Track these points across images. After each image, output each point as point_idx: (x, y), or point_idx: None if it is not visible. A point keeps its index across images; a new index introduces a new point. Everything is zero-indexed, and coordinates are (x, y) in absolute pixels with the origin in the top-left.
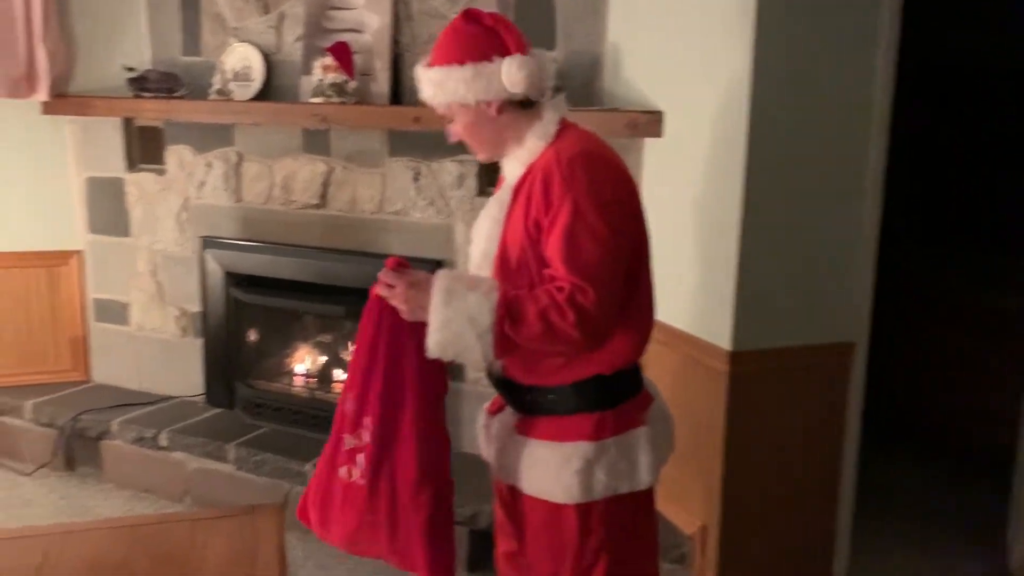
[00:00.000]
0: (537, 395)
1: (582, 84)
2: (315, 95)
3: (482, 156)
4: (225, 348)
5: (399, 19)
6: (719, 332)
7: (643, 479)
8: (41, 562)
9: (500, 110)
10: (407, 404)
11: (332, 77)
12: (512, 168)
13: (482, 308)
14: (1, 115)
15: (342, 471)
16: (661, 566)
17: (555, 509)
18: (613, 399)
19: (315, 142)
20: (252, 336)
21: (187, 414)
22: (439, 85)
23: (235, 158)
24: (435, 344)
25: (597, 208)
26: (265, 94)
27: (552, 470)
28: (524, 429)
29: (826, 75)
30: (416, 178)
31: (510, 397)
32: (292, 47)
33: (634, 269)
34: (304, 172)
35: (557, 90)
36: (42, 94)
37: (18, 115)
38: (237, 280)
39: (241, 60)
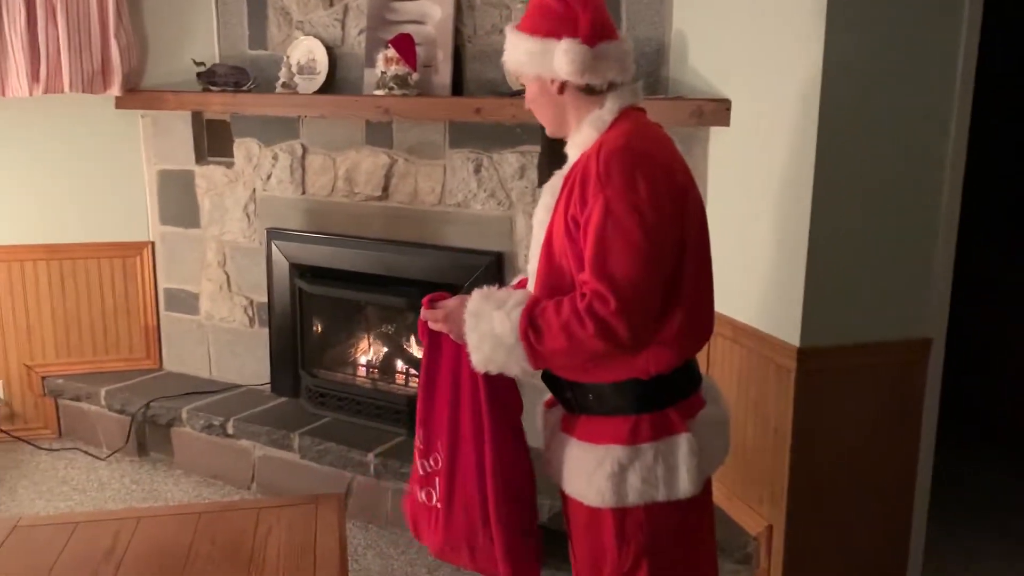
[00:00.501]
0: (577, 392)
1: (647, 72)
2: (378, 87)
3: (548, 131)
4: (290, 338)
5: (461, 9)
6: (788, 328)
7: (682, 488)
8: (111, 545)
9: (561, 89)
10: (475, 424)
11: (395, 69)
12: (572, 154)
13: (505, 326)
14: (78, 110)
15: (422, 494)
16: (724, 566)
17: (593, 512)
18: (654, 402)
19: (378, 134)
20: (316, 326)
21: (253, 402)
22: (510, 50)
23: (300, 150)
24: (477, 362)
25: (631, 209)
26: (329, 87)
27: (586, 472)
28: (566, 427)
29: (902, 60)
30: (477, 170)
31: (555, 393)
32: (356, 40)
33: (676, 274)
34: (367, 164)
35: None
36: (116, 89)
37: (94, 110)
38: (301, 271)
39: (306, 53)
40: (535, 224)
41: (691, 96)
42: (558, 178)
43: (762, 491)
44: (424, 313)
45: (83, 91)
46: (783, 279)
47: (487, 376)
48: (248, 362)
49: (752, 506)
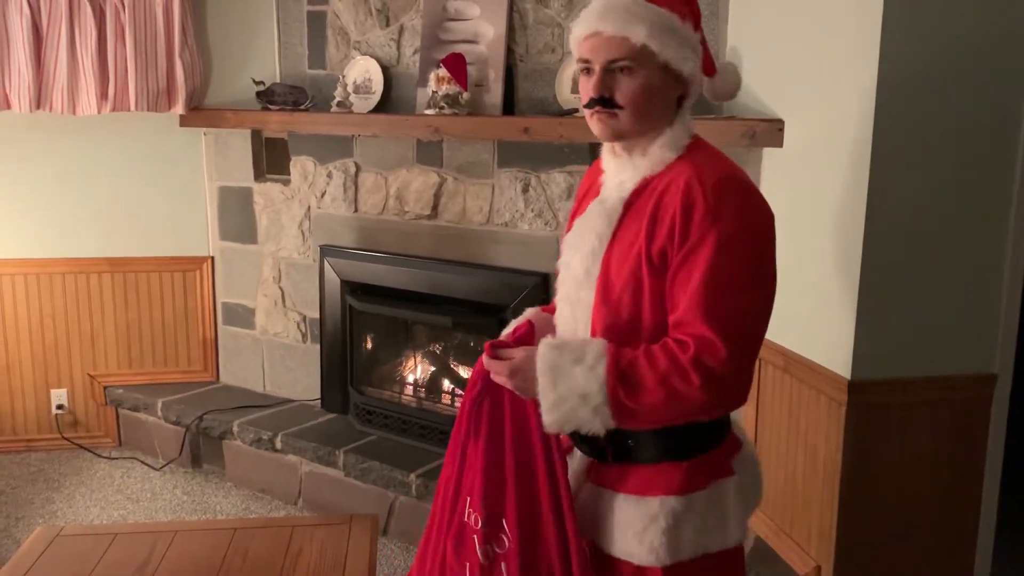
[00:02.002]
0: (614, 439)
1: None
2: (429, 107)
3: (620, 127)
4: (340, 355)
5: (514, 29)
6: (839, 358)
7: (733, 535)
8: (147, 557)
9: (677, 92)
10: (552, 492)
11: (446, 89)
12: (623, 175)
13: (590, 383)
14: (144, 127)
15: None
16: None
17: (640, 571)
18: (700, 446)
19: (428, 153)
20: (365, 343)
21: (303, 418)
22: (662, 28)
23: (354, 169)
24: (552, 423)
25: (746, 247)
26: (384, 106)
27: (634, 529)
28: (599, 478)
29: (962, 80)
30: (525, 189)
31: (581, 440)
32: (411, 59)
33: None
34: (417, 183)
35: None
36: (180, 107)
37: (158, 127)
38: (352, 288)
39: (362, 73)
40: (575, 248)
41: (744, 116)
42: (615, 203)
43: (811, 528)
44: (487, 363)
45: (148, 109)
46: (834, 307)
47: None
48: (300, 377)
49: (800, 544)
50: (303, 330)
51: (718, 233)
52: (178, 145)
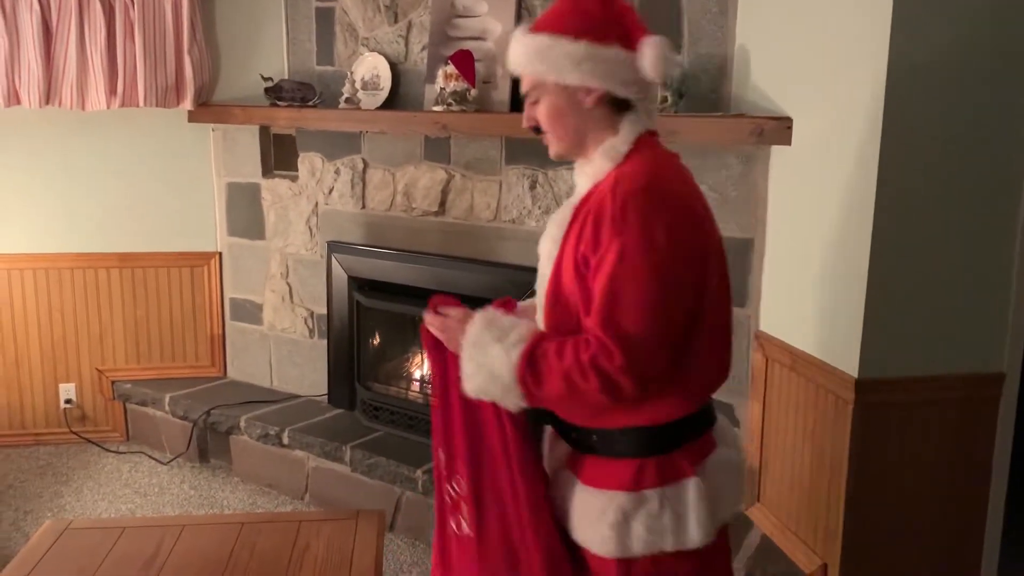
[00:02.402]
0: (582, 433)
1: (709, 89)
2: (437, 103)
3: (555, 149)
4: (347, 350)
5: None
6: (846, 357)
7: (692, 537)
8: (155, 551)
9: (597, 103)
10: (500, 436)
11: (454, 85)
12: (580, 183)
13: (503, 364)
14: (152, 123)
15: (452, 524)
16: None
17: (599, 560)
18: (661, 446)
19: (436, 150)
20: (373, 340)
21: (310, 413)
22: (540, 54)
23: (361, 165)
24: (469, 390)
25: (647, 260)
26: (392, 102)
27: (589, 519)
28: (572, 464)
29: (972, 78)
30: (532, 186)
31: (559, 431)
32: (419, 56)
33: (694, 322)
34: (424, 180)
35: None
36: (188, 103)
37: (167, 123)
38: (360, 284)
39: (370, 69)
40: (541, 255)
41: (753, 114)
42: (567, 209)
43: (817, 526)
44: (427, 317)
45: (157, 105)
46: (841, 306)
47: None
48: (307, 373)
49: (806, 541)
50: (310, 326)
51: (620, 244)
52: (186, 141)
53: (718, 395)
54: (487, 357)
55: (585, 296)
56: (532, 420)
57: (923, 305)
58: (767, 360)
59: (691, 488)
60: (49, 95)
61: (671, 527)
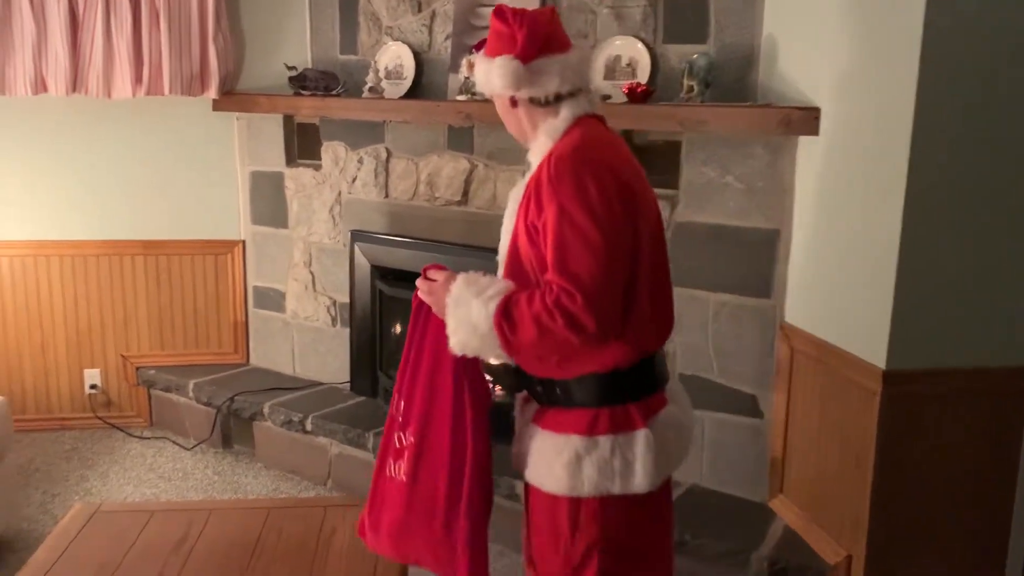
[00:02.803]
0: (546, 386)
1: (735, 79)
2: (462, 92)
3: (519, 141)
4: (370, 338)
5: None
6: (873, 348)
7: (638, 483)
8: (184, 535)
9: (513, 103)
10: (456, 405)
11: None
12: (532, 161)
13: (480, 315)
14: (177, 112)
15: (390, 467)
16: None
17: (549, 499)
18: (614, 397)
19: (459, 139)
20: (395, 328)
21: (333, 400)
22: (477, 73)
23: (384, 154)
24: (454, 344)
25: (584, 210)
26: (416, 92)
27: (546, 460)
28: (536, 418)
29: (1010, 64)
30: None
31: (527, 387)
32: (442, 45)
33: (630, 274)
34: (448, 169)
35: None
36: (213, 92)
37: (191, 112)
38: (382, 273)
39: (394, 58)
40: (503, 231)
41: (780, 104)
42: (521, 186)
43: (842, 519)
44: (418, 281)
45: (182, 93)
46: (869, 297)
47: (471, 359)
48: (329, 361)
49: (830, 533)
50: (333, 314)
51: (558, 201)
52: (211, 129)
53: (741, 385)
54: (468, 311)
55: (539, 258)
56: (508, 388)
57: (953, 297)
58: (792, 351)
59: (640, 438)
60: (75, 83)
61: (620, 471)
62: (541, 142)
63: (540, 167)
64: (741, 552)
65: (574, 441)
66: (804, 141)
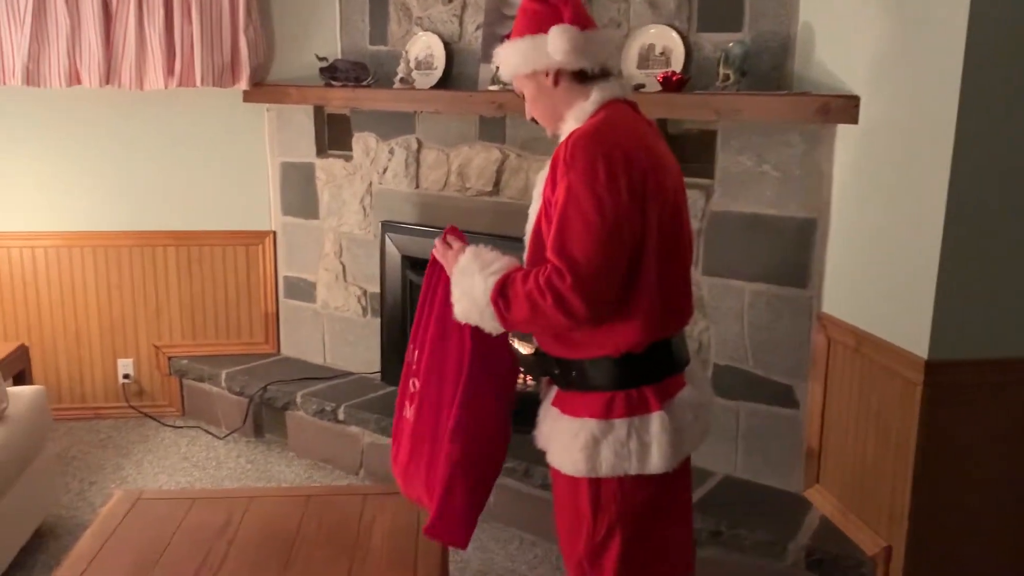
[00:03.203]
0: (564, 369)
1: (770, 67)
2: (493, 83)
3: (548, 130)
4: (400, 328)
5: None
6: (915, 338)
7: (654, 464)
8: (225, 522)
9: (556, 81)
10: (458, 360)
11: None
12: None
13: (480, 289)
14: (208, 103)
15: (405, 409)
16: None
17: (572, 482)
18: (630, 380)
19: (490, 130)
20: None
21: (364, 390)
22: (505, 59)
23: (415, 145)
24: (457, 313)
25: (589, 192)
26: (446, 82)
27: (563, 443)
28: (556, 401)
29: None
30: None
31: (546, 370)
32: (473, 35)
33: (637, 256)
34: (479, 159)
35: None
36: (243, 83)
37: (222, 103)
38: (413, 263)
39: (424, 49)
40: (529, 211)
41: (817, 92)
42: (548, 168)
43: (880, 509)
44: (437, 242)
45: (213, 84)
46: (911, 286)
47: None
48: (360, 351)
49: (869, 523)
50: (363, 304)
51: (567, 181)
52: (241, 121)
53: (777, 375)
54: (471, 283)
55: (550, 232)
56: (535, 376)
57: (996, 285)
58: (829, 341)
59: (655, 421)
60: (108, 75)
61: (636, 452)
62: (568, 125)
63: (560, 146)
64: (778, 542)
65: (590, 424)
66: (842, 129)
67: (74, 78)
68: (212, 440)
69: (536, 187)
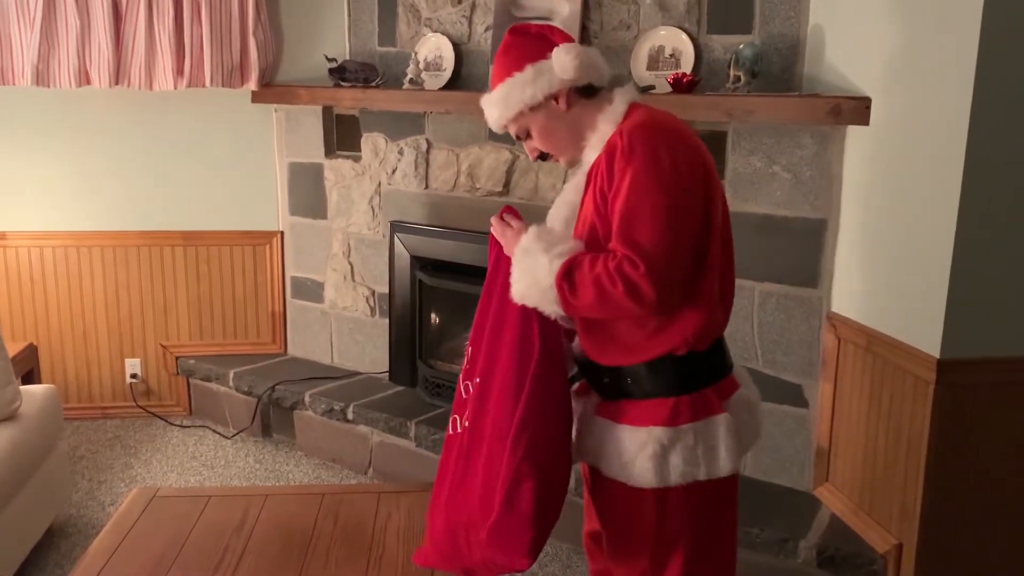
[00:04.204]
0: (615, 377)
1: (780, 69)
2: None
3: (565, 160)
4: (409, 329)
5: (589, 6)
6: (927, 337)
7: (722, 467)
8: (242, 519)
9: (569, 103)
10: (515, 348)
11: None
12: (589, 156)
13: (544, 271)
14: (216, 104)
15: (457, 423)
16: None
17: (633, 493)
18: (690, 384)
19: None
20: (434, 318)
21: (372, 390)
22: (505, 99)
23: (425, 146)
24: (515, 293)
25: (655, 179)
26: (455, 83)
27: (628, 454)
28: (604, 412)
29: None
30: None
31: (591, 379)
32: (482, 36)
33: (701, 245)
34: (489, 160)
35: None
36: (252, 83)
37: (231, 104)
38: (422, 263)
39: (433, 50)
40: (553, 220)
41: (828, 94)
42: (581, 176)
43: (892, 507)
44: (493, 221)
45: (223, 85)
46: (923, 285)
47: (540, 316)
48: (368, 350)
49: (880, 521)
50: (372, 304)
51: (632, 169)
52: (250, 121)
53: (787, 375)
54: (535, 264)
55: (607, 229)
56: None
57: (1008, 285)
58: (839, 341)
59: (722, 423)
60: (118, 75)
61: (704, 457)
62: (602, 131)
63: (610, 143)
64: (789, 540)
65: (657, 433)
66: (853, 130)
67: (84, 78)
68: (220, 440)
69: (566, 197)
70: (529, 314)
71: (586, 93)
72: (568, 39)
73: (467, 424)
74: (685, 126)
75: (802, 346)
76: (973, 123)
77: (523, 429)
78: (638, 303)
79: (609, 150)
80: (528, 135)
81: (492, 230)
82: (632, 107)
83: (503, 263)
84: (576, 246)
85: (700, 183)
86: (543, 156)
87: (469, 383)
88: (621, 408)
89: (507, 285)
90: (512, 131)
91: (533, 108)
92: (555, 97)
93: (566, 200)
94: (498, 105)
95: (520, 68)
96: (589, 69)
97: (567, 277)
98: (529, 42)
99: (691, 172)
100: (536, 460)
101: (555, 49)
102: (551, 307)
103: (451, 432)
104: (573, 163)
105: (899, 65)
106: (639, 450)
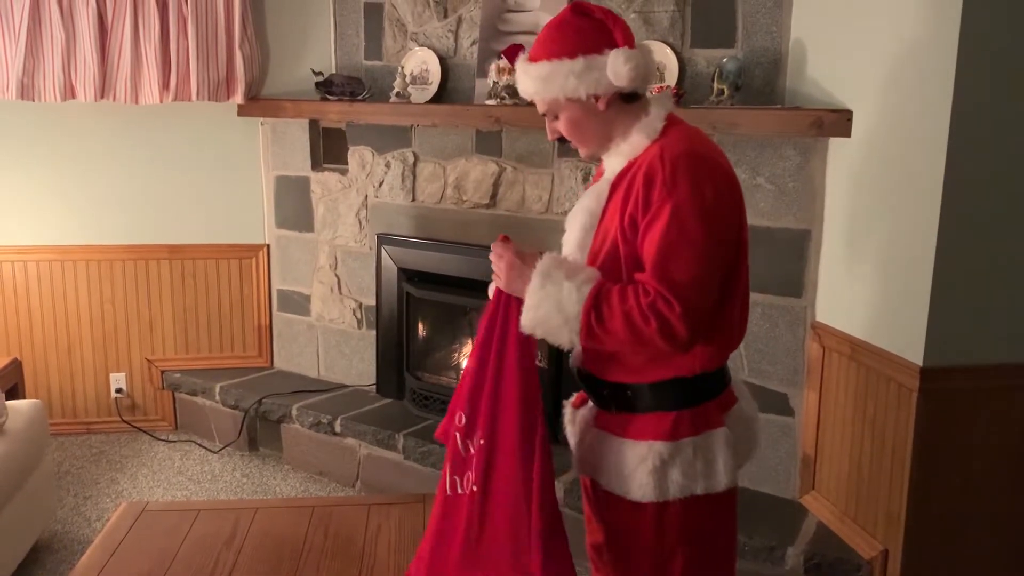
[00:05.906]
0: (615, 391)
1: (763, 82)
2: (490, 97)
3: (585, 152)
4: (396, 341)
5: None
6: (910, 345)
7: (720, 481)
8: (232, 532)
9: (608, 104)
10: (525, 397)
11: (507, 79)
12: (613, 162)
13: (571, 298)
14: (203, 117)
15: (460, 483)
16: None
17: (632, 506)
18: (692, 399)
19: (487, 143)
20: (422, 330)
21: (360, 403)
22: (546, 80)
23: (412, 158)
24: (527, 321)
25: (698, 216)
26: (441, 97)
27: (628, 468)
28: (603, 424)
29: None
30: (585, 179)
31: (590, 391)
32: (468, 51)
33: (729, 279)
34: (476, 172)
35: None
36: (239, 97)
37: (217, 117)
38: (409, 276)
39: (419, 64)
40: (571, 224)
41: (810, 106)
42: (604, 184)
43: (877, 513)
44: (495, 244)
45: (209, 99)
46: (906, 293)
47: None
48: (355, 363)
49: (866, 528)
50: (358, 317)
51: (673, 202)
52: (236, 135)
53: (772, 384)
54: (558, 289)
55: (630, 253)
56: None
57: (990, 293)
58: (824, 350)
59: (721, 437)
60: (104, 89)
61: (702, 472)
62: (634, 141)
63: (649, 163)
64: (776, 548)
65: (657, 447)
66: (835, 142)
67: (69, 92)
68: (206, 454)
69: (585, 204)
70: (530, 370)
71: (627, 99)
72: (628, 35)
73: (475, 488)
74: (719, 150)
75: (787, 355)
76: (953, 135)
77: (545, 493)
78: (670, 343)
79: (648, 174)
80: (556, 117)
81: (492, 255)
82: (669, 119)
83: (503, 311)
84: (595, 273)
85: (736, 220)
86: (562, 140)
87: (470, 442)
88: (621, 421)
89: (507, 336)
90: (540, 108)
91: (571, 99)
92: (596, 96)
93: (585, 206)
94: (535, 82)
95: (572, 55)
96: (642, 81)
97: (595, 306)
98: (589, 27)
99: (731, 204)
100: (555, 515)
101: (613, 52)
102: (567, 336)
103: (450, 493)
104: (592, 158)
105: (880, 78)
106: (639, 464)
